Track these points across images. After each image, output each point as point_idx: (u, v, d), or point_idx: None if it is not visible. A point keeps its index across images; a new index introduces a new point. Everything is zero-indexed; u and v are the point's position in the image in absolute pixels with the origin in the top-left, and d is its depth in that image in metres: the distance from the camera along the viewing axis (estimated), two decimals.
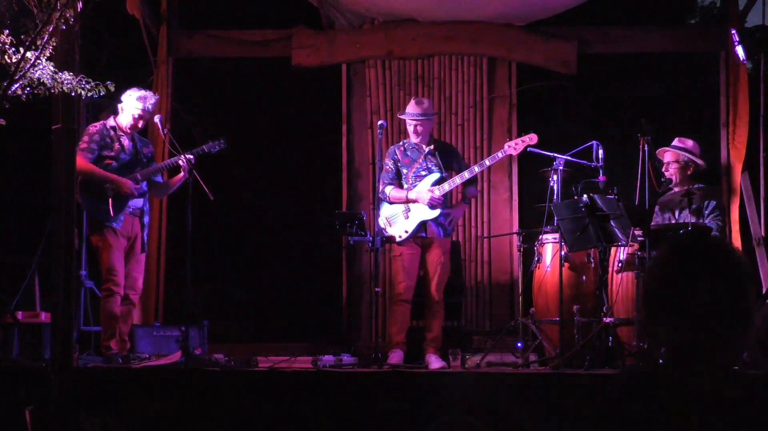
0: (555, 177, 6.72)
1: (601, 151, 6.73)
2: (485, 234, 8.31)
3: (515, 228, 8.10)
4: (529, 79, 8.45)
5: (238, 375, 5.81)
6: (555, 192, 6.70)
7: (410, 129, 6.88)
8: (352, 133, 8.57)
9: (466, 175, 6.76)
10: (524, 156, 7.78)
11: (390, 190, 6.83)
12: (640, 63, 8.44)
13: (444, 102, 8.48)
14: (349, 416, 5.38)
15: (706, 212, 6.63)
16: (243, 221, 8.73)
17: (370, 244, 6.56)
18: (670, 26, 8.65)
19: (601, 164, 6.71)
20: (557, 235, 6.51)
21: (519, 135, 8.40)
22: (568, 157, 6.76)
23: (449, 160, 6.91)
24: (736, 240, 8.10)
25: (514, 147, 6.88)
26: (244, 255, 8.72)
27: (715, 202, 6.69)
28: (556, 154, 6.76)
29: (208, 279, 8.21)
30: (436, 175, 6.79)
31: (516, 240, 7.27)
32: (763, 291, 7.42)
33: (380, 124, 6.83)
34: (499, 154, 6.91)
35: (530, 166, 7.96)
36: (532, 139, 6.89)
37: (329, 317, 8.35)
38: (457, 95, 8.48)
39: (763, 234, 7.98)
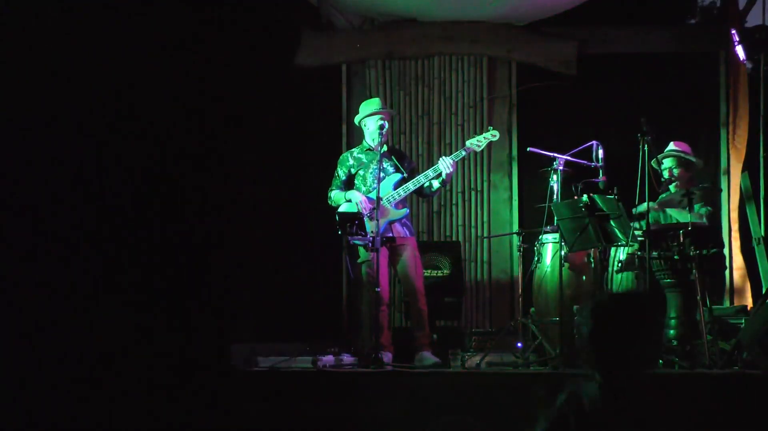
0: (555, 177, 6.72)
1: (601, 151, 6.74)
2: (485, 234, 8.31)
3: (515, 228, 8.10)
4: (529, 79, 8.44)
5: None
6: (555, 192, 6.70)
7: (377, 126, 6.76)
8: (352, 133, 8.56)
9: (431, 173, 6.68)
10: (524, 156, 7.78)
11: (335, 193, 6.83)
12: (640, 63, 8.43)
13: (444, 102, 8.48)
14: (349, 416, 5.38)
15: (696, 208, 6.64)
16: (242, 221, 8.71)
17: (370, 245, 6.55)
18: (670, 26, 8.64)
19: (601, 164, 6.72)
20: (557, 235, 6.51)
21: (519, 135, 8.44)
22: (568, 157, 6.76)
23: (404, 163, 6.87)
24: (736, 240, 8.11)
25: (477, 144, 6.83)
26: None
27: (707, 204, 6.71)
28: (556, 154, 6.76)
29: None
30: (397, 176, 6.75)
31: (516, 240, 7.27)
32: (763, 291, 7.42)
33: (380, 125, 6.81)
34: (462, 152, 6.84)
35: (530, 166, 7.96)
36: (495, 135, 6.86)
37: (329, 317, 8.34)
38: (457, 95, 8.48)
39: (763, 234, 7.98)
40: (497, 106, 8.50)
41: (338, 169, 6.91)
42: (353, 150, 6.98)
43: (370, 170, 6.77)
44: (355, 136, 8.57)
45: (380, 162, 6.66)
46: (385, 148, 6.80)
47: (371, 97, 8.42)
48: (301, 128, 8.73)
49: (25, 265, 5.83)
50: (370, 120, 6.85)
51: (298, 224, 8.51)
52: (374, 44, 8.52)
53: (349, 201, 6.72)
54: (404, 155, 7.09)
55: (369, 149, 6.84)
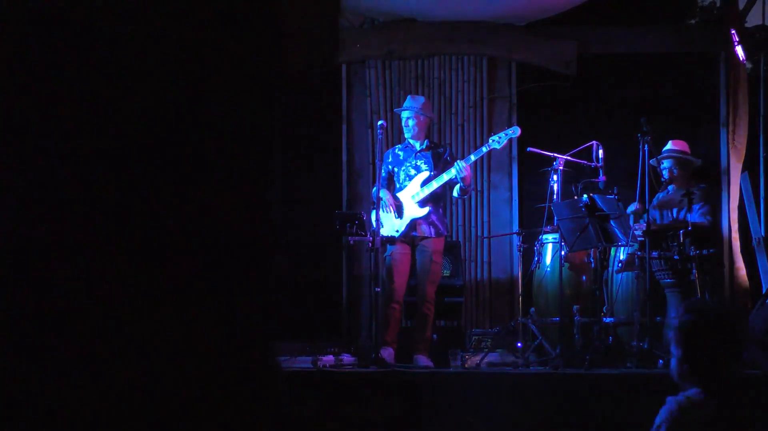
0: (555, 177, 6.72)
1: (601, 151, 6.74)
2: (485, 234, 8.31)
3: (515, 228, 8.10)
4: (529, 79, 8.45)
5: None
6: (555, 192, 6.71)
7: (403, 123, 6.89)
8: (352, 133, 8.57)
9: (445, 176, 6.66)
10: (524, 156, 7.79)
11: (374, 190, 6.88)
12: (640, 63, 8.43)
13: (444, 102, 8.48)
14: (349, 416, 5.38)
15: (696, 208, 6.63)
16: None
17: (370, 244, 6.55)
18: (670, 26, 8.65)
19: (601, 164, 6.72)
20: (557, 235, 6.52)
21: (519, 135, 8.44)
22: (568, 157, 6.77)
23: (439, 160, 6.87)
24: (736, 241, 8.10)
25: (497, 141, 6.83)
26: None
27: (708, 204, 6.71)
28: (556, 154, 6.76)
29: None
30: (425, 173, 6.74)
31: (516, 240, 7.27)
32: (763, 291, 7.42)
33: (380, 124, 6.81)
34: (484, 149, 6.85)
35: (530, 166, 7.97)
36: (515, 131, 6.89)
37: (329, 317, 8.35)
38: (457, 95, 8.48)
39: (763, 234, 7.98)
40: (497, 106, 8.50)
41: (382, 166, 6.91)
42: (397, 146, 7.02)
43: (403, 167, 6.81)
44: (356, 136, 8.58)
45: (378, 163, 6.70)
46: (425, 144, 6.85)
47: (371, 97, 8.45)
48: (301, 128, 8.73)
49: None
50: (401, 116, 6.93)
51: (298, 224, 8.51)
52: (374, 44, 8.51)
53: (381, 199, 6.75)
54: (442, 151, 6.96)
55: (407, 145, 6.89)
